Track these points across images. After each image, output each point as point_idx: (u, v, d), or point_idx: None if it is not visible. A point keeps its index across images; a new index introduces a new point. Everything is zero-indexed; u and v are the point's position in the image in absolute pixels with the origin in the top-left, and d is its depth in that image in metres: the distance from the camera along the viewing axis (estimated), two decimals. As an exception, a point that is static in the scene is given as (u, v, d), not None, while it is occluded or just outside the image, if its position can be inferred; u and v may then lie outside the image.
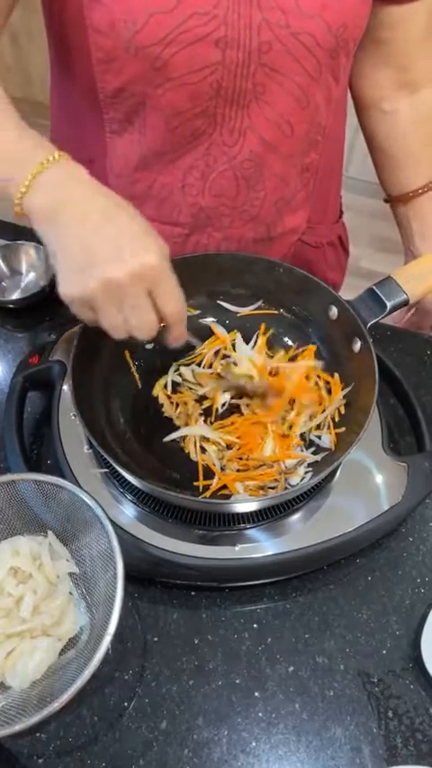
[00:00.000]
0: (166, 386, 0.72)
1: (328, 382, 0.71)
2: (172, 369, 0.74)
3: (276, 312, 0.77)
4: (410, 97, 0.82)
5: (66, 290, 0.54)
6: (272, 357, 0.74)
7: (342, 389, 0.69)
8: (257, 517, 0.62)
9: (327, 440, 0.68)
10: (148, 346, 0.75)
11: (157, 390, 0.72)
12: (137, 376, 0.73)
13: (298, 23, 0.62)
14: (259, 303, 0.77)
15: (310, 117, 0.72)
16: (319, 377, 0.71)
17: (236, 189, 0.76)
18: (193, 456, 0.67)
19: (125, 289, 0.52)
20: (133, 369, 0.73)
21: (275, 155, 0.74)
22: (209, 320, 0.77)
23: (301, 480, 0.63)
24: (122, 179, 0.76)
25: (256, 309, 0.77)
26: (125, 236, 0.53)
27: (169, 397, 0.71)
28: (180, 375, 0.73)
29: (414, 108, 0.82)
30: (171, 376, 0.73)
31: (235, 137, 0.71)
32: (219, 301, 0.78)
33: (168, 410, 0.70)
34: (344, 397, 0.69)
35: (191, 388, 0.72)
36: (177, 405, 0.71)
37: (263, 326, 0.76)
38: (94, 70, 0.66)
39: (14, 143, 0.55)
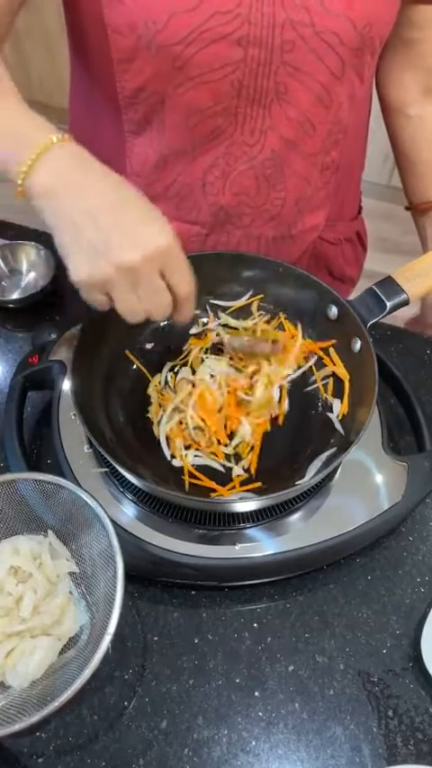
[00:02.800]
0: (159, 384, 0.72)
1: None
2: (166, 368, 0.73)
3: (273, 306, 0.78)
4: None
5: (79, 274, 0.53)
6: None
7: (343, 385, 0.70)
8: (257, 516, 0.62)
9: (337, 407, 0.69)
10: (148, 346, 0.75)
11: (151, 390, 0.72)
12: (144, 369, 0.73)
13: (322, 22, 0.62)
14: (250, 293, 0.77)
15: (333, 116, 0.71)
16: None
17: (256, 188, 0.75)
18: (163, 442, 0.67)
19: (140, 272, 0.52)
20: (138, 363, 0.73)
21: (297, 153, 0.73)
22: (205, 320, 0.77)
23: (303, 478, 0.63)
24: (141, 178, 0.76)
25: (248, 299, 0.77)
26: (137, 219, 0.52)
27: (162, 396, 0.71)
28: (173, 375, 0.73)
29: None
30: (165, 375, 0.73)
31: (256, 136, 0.71)
32: (217, 301, 0.78)
33: (153, 412, 0.70)
34: (344, 396, 0.69)
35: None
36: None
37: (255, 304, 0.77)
38: (114, 70, 0.65)
39: (17, 120, 0.55)
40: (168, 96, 0.66)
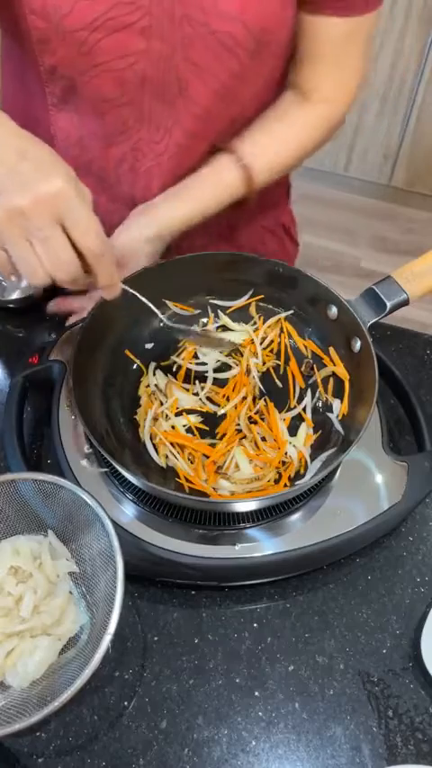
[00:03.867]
0: (148, 386, 0.72)
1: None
2: (151, 367, 0.73)
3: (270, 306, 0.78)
4: (305, 103, 0.79)
5: None
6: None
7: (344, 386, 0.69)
8: (257, 516, 0.62)
9: (337, 407, 0.69)
10: (148, 346, 0.75)
11: (141, 391, 0.72)
12: (144, 369, 0.73)
13: (217, 23, 0.64)
14: (249, 293, 0.77)
15: (236, 112, 0.74)
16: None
17: (162, 185, 0.77)
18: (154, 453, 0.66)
19: (30, 216, 0.50)
20: (138, 361, 0.73)
21: (198, 142, 0.75)
22: (205, 320, 0.77)
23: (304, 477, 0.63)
24: (67, 152, 0.77)
25: (248, 299, 0.77)
26: (31, 167, 0.52)
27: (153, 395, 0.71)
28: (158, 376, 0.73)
29: (306, 113, 0.79)
30: (150, 377, 0.72)
31: (161, 133, 0.73)
32: (217, 301, 0.78)
33: (140, 414, 0.69)
34: (344, 396, 0.69)
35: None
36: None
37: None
38: (34, 47, 0.67)
39: None
40: (78, 82, 0.68)
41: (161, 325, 0.75)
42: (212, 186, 0.76)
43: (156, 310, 0.66)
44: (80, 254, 0.54)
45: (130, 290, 0.62)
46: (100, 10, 0.62)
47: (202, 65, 0.67)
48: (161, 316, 0.68)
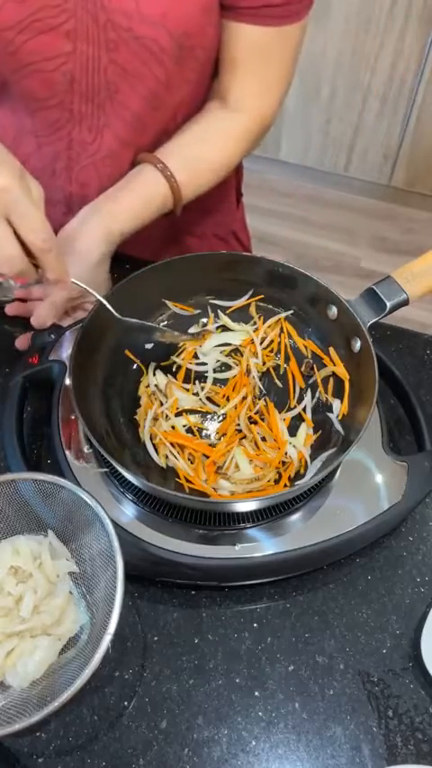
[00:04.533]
0: (148, 386, 0.72)
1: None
2: (151, 367, 0.73)
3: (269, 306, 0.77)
4: (227, 113, 0.79)
5: None
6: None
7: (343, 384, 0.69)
8: (257, 516, 0.62)
9: (337, 407, 0.69)
10: (148, 346, 0.75)
11: (141, 391, 0.72)
12: (144, 369, 0.73)
13: (140, 29, 0.64)
14: (249, 293, 0.77)
15: (166, 118, 0.75)
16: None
17: (98, 183, 0.78)
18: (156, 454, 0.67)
19: None
20: (138, 363, 0.73)
21: (131, 150, 0.76)
22: (204, 320, 0.77)
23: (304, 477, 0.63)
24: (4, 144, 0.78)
25: (248, 299, 0.77)
26: None
27: (153, 395, 0.71)
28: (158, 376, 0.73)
29: (228, 125, 0.79)
30: (150, 377, 0.72)
31: (93, 134, 0.74)
32: (216, 301, 0.78)
33: (141, 414, 0.69)
34: (344, 396, 0.69)
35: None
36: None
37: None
38: None
39: None
40: (7, 81, 0.69)
41: (161, 324, 0.75)
42: (146, 193, 0.75)
43: (110, 308, 0.66)
44: (27, 250, 0.55)
45: (82, 286, 0.63)
46: (26, 12, 0.63)
47: (129, 69, 0.68)
48: (116, 314, 0.67)
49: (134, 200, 0.74)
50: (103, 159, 0.77)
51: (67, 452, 0.65)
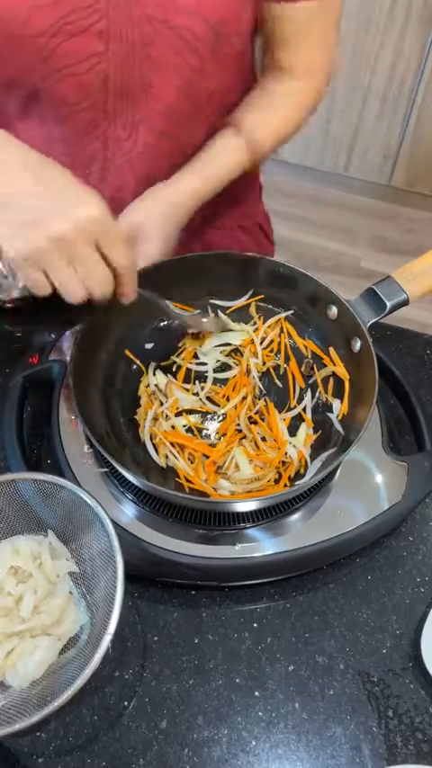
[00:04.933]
0: (148, 386, 0.72)
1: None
2: (151, 367, 0.73)
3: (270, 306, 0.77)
4: (285, 79, 0.81)
5: (12, 249, 0.53)
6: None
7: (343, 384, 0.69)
8: (257, 516, 0.62)
9: (337, 407, 0.69)
10: (148, 346, 0.75)
11: (141, 390, 0.72)
12: (144, 369, 0.73)
13: (175, 19, 0.64)
14: (250, 293, 0.77)
15: (202, 106, 0.74)
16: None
17: (134, 180, 0.77)
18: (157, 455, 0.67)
19: (73, 243, 0.52)
20: (138, 361, 0.73)
21: (168, 142, 0.75)
22: (204, 320, 0.77)
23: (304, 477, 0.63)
24: None
25: (248, 299, 0.77)
26: (65, 192, 0.54)
27: (153, 395, 0.71)
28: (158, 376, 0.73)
29: (288, 89, 0.81)
30: (150, 377, 0.72)
31: (128, 130, 0.73)
32: (217, 301, 0.78)
33: (141, 414, 0.69)
34: (344, 396, 0.69)
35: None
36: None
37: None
38: None
39: None
40: (39, 89, 0.68)
41: (161, 324, 0.75)
42: (220, 160, 0.77)
43: (164, 303, 0.67)
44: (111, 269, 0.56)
45: (145, 293, 0.64)
46: (57, 15, 0.62)
47: (164, 62, 0.68)
48: (172, 308, 0.68)
49: (205, 168, 0.76)
50: (139, 155, 0.76)
51: (67, 452, 0.65)
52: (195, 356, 0.74)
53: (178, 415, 0.69)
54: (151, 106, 0.71)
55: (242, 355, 0.74)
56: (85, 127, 0.72)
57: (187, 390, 0.71)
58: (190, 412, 0.70)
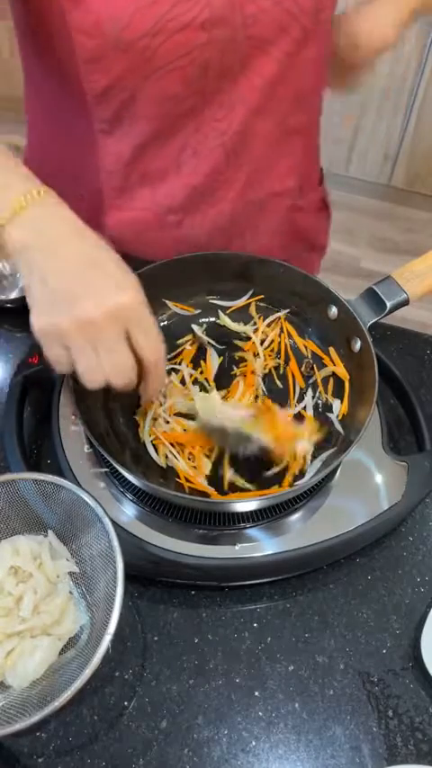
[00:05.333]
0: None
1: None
2: None
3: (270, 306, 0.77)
4: None
5: (38, 323, 0.52)
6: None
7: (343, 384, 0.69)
8: (257, 516, 0.62)
9: (337, 407, 0.68)
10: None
11: None
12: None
13: None
14: (250, 293, 0.77)
15: (298, 80, 0.73)
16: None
17: (226, 163, 0.76)
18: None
19: (100, 328, 0.51)
20: None
21: (261, 118, 0.74)
22: (205, 319, 0.77)
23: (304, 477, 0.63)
24: (115, 174, 0.76)
25: (248, 299, 0.77)
26: (102, 276, 0.52)
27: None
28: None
29: None
30: None
31: (224, 110, 0.72)
32: (217, 301, 0.78)
33: (140, 414, 0.69)
34: (344, 396, 0.69)
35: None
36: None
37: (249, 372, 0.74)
38: (80, 71, 0.66)
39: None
40: (140, 89, 0.67)
41: (161, 324, 0.75)
42: None
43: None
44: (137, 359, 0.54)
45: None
46: (160, 13, 0.61)
47: (265, 38, 0.66)
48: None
49: None
50: (233, 137, 0.74)
51: (67, 452, 0.65)
52: (194, 361, 0.74)
53: (179, 415, 0.69)
54: (250, 82, 0.70)
55: (245, 361, 0.73)
56: (182, 115, 0.71)
57: (186, 395, 0.70)
58: (187, 416, 0.69)
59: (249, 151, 0.76)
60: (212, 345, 0.74)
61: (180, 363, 0.73)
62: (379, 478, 0.65)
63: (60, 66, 0.69)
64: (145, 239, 0.82)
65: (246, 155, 0.76)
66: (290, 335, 0.76)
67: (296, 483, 0.63)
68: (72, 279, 0.51)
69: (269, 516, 0.62)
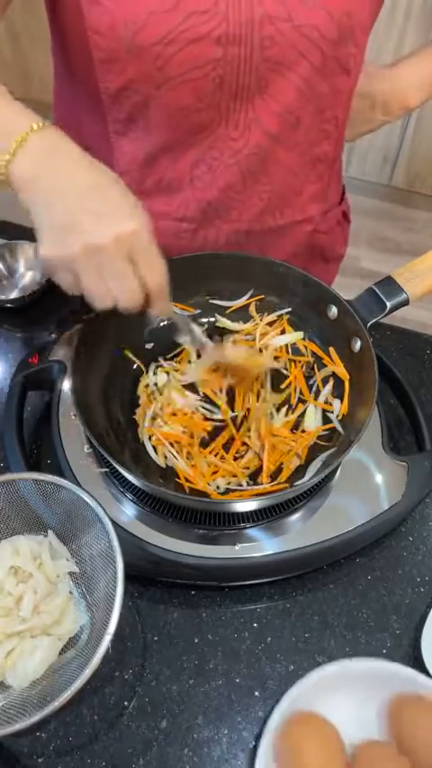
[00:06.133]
0: (147, 386, 0.72)
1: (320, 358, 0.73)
2: (152, 368, 0.73)
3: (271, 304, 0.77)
4: None
5: (48, 251, 0.54)
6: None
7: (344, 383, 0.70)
8: (257, 516, 0.62)
9: (337, 407, 0.69)
10: (148, 346, 0.75)
11: (140, 390, 0.71)
12: (144, 369, 0.73)
13: (300, 16, 0.62)
14: (250, 293, 0.77)
15: (317, 108, 0.72)
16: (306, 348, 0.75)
17: (242, 183, 0.76)
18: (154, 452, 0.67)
19: (107, 254, 0.52)
20: (138, 361, 0.73)
21: (282, 146, 0.73)
22: (204, 319, 0.77)
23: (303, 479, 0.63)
24: (130, 177, 0.76)
25: (248, 299, 0.77)
26: (108, 203, 0.53)
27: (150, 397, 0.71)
28: (163, 374, 0.73)
29: None
30: (150, 376, 0.72)
31: (240, 130, 0.71)
32: (216, 301, 0.78)
33: (139, 414, 0.69)
34: (344, 396, 0.69)
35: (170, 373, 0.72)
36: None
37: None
38: (96, 71, 0.66)
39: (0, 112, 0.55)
40: (152, 96, 0.67)
41: (161, 324, 0.75)
42: None
43: (189, 326, 0.68)
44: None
45: (178, 312, 0.65)
46: (175, 22, 0.60)
47: (284, 63, 0.66)
48: (197, 332, 0.68)
49: None
50: (248, 157, 0.73)
51: (67, 452, 0.65)
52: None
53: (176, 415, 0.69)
54: (268, 106, 0.69)
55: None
56: (196, 128, 0.71)
57: (186, 396, 0.71)
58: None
59: (269, 175, 0.76)
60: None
61: (180, 363, 0.74)
62: (379, 478, 0.65)
63: (78, 65, 0.69)
64: (159, 245, 0.83)
65: (264, 178, 0.76)
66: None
67: (296, 483, 0.63)
68: (79, 206, 0.53)
69: (269, 516, 0.62)
